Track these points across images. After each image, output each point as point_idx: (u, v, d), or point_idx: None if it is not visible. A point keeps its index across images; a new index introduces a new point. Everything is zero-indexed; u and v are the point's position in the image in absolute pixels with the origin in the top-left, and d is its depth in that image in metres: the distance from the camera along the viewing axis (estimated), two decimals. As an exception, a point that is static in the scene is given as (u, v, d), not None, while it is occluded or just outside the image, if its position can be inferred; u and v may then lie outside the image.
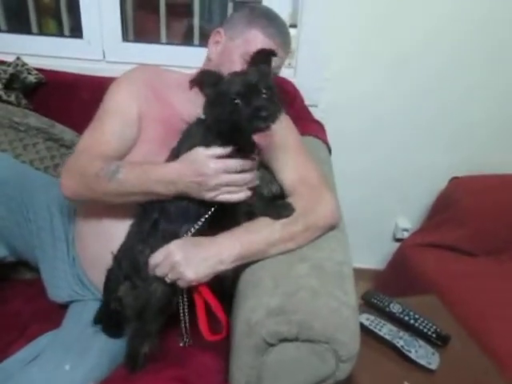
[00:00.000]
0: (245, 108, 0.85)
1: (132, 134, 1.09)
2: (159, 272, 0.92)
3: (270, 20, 1.10)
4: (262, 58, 0.93)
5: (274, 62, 1.06)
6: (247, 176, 0.92)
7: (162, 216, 0.96)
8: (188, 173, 0.90)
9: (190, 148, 0.93)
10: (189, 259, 0.89)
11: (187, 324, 1.03)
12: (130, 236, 1.01)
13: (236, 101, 0.85)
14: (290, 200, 1.00)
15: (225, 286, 1.00)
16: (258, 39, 1.07)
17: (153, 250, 0.94)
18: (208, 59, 1.15)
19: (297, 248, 0.97)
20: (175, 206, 0.95)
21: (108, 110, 1.10)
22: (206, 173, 0.89)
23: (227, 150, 0.90)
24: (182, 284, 0.92)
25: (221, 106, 0.87)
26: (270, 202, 1.01)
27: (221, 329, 0.96)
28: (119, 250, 1.00)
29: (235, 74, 0.91)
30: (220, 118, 0.88)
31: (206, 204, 0.94)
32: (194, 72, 1.18)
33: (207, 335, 0.96)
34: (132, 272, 0.97)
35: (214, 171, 0.89)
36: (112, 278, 1.01)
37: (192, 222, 0.95)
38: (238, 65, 1.06)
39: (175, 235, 0.94)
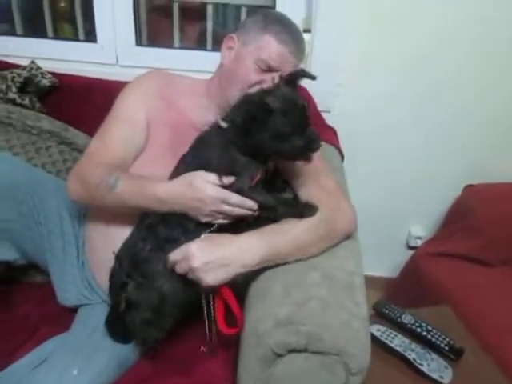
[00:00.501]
0: (298, 140, 0.87)
1: (139, 141, 1.10)
2: (179, 269, 0.90)
3: (283, 26, 1.08)
4: (293, 78, 0.95)
5: (288, 67, 1.06)
6: (244, 211, 0.92)
7: (162, 222, 0.96)
8: (184, 196, 0.91)
9: (206, 158, 0.93)
10: (208, 265, 0.87)
11: (212, 327, 1.00)
12: (132, 235, 1.01)
13: (288, 132, 0.87)
14: None
15: (236, 290, 0.98)
16: (271, 45, 1.06)
17: (153, 247, 0.94)
18: (221, 64, 1.15)
19: (318, 254, 0.95)
20: (174, 216, 0.95)
21: (116, 117, 1.11)
22: (203, 199, 0.90)
23: (230, 179, 0.91)
24: (201, 285, 0.90)
25: (267, 131, 0.87)
26: (292, 203, 1.00)
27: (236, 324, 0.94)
28: (121, 249, 1.00)
29: (276, 96, 0.89)
30: (265, 143, 0.88)
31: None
32: (206, 78, 1.19)
33: (223, 328, 0.95)
34: (132, 270, 0.96)
35: (212, 199, 0.89)
36: (114, 277, 1.01)
37: (191, 232, 0.94)
38: (251, 71, 1.06)
39: (174, 241, 0.94)
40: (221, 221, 0.93)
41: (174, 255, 0.91)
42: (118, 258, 0.99)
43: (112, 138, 1.08)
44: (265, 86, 1.01)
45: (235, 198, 0.91)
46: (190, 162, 0.97)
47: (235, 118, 0.90)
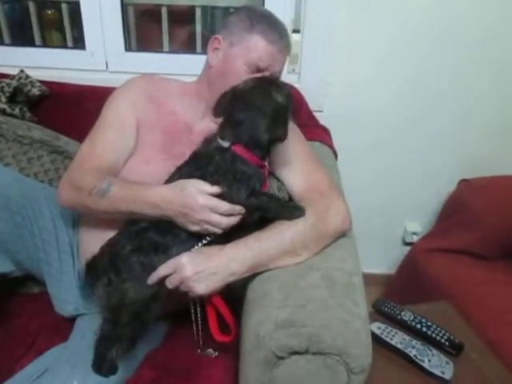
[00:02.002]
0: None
1: (129, 144, 1.10)
2: (169, 284, 0.92)
3: (270, 24, 1.06)
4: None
5: (277, 66, 1.06)
6: (232, 221, 0.92)
7: (152, 226, 0.96)
8: (175, 201, 0.91)
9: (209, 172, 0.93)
10: (199, 274, 0.89)
11: (200, 332, 1.04)
12: (119, 232, 1.00)
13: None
14: None
15: (233, 292, 0.99)
16: (260, 46, 1.05)
17: (135, 248, 0.94)
18: (208, 66, 1.13)
19: (312, 255, 0.96)
20: (166, 223, 0.95)
21: (105, 121, 1.12)
22: (192, 206, 0.89)
23: (223, 189, 0.91)
24: (192, 295, 0.93)
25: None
26: (283, 202, 1.02)
27: (230, 331, 0.96)
28: (106, 243, 1.00)
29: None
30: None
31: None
32: (195, 80, 1.19)
33: (217, 335, 0.97)
34: (108, 265, 0.96)
35: (201, 207, 0.89)
36: (92, 263, 0.99)
37: (182, 243, 0.95)
38: (242, 72, 1.06)
39: (164, 247, 0.94)
40: (210, 228, 0.92)
41: (166, 268, 0.91)
42: (102, 249, 0.99)
43: (102, 142, 1.09)
44: None
45: (225, 206, 0.91)
46: (186, 172, 0.97)
47: (255, 136, 0.93)
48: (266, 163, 0.99)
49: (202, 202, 0.89)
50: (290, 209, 0.97)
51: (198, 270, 0.89)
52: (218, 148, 0.95)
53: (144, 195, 0.94)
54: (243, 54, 1.06)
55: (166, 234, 0.95)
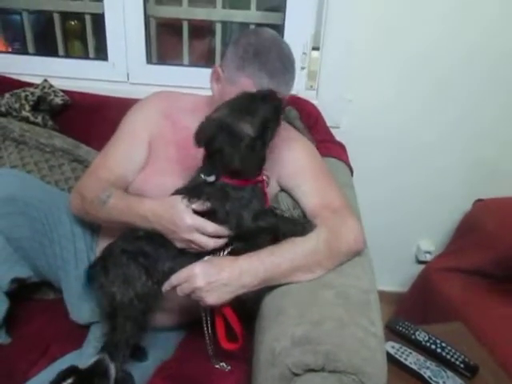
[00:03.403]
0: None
1: (139, 159, 1.14)
2: (180, 292, 0.93)
3: (261, 64, 1.00)
4: None
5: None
6: (219, 242, 0.93)
7: (147, 237, 0.98)
8: (164, 217, 0.93)
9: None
10: (211, 285, 0.90)
11: (212, 344, 1.04)
12: (119, 236, 1.04)
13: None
14: None
15: (244, 303, 0.99)
16: (247, 87, 1.00)
17: (126, 250, 0.98)
18: (212, 95, 1.13)
19: (325, 272, 0.96)
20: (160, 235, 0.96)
21: (119, 136, 1.17)
22: (179, 226, 0.91)
23: (207, 204, 0.92)
24: (202, 305, 0.94)
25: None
26: (292, 219, 1.02)
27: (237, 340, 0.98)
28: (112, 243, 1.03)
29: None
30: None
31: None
32: (206, 95, 1.20)
33: (224, 343, 0.98)
34: (101, 265, 0.99)
35: (187, 227, 0.91)
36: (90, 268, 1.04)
37: (173, 257, 0.97)
38: None
39: (154, 259, 0.97)
40: (198, 248, 0.94)
41: (178, 277, 0.92)
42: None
43: (113, 155, 1.14)
44: None
45: (211, 227, 0.92)
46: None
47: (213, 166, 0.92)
48: (263, 176, 0.98)
49: (189, 222, 0.91)
50: (300, 225, 0.97)
51: (210, 281, 0.89)
52: (206, 182, 0.94)
53: (137, 208, 0.98)
54: (233, 92, 1.00)
55: (158, 247, 0.97)
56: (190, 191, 0.95)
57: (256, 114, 0.91)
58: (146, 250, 0.97)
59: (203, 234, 0.92)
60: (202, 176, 0.94)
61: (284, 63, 1.03)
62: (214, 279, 0.90)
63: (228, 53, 1.07)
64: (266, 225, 0.95)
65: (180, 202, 0.93)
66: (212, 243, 0.92)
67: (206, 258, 0.95)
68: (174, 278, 0.93)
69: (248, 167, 0.92)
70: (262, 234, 0.97)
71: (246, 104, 0.93)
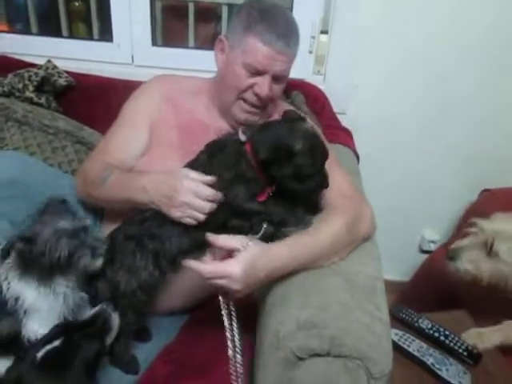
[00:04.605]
0: (317, 179, 0.95)
1: (140, 144, 1.14)
2: (211, 284, 0.88)
3: (268, 23, 1.01)
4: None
5: (278, 66, 1.04)
6: (213, 207, 0.93)
7: (152, 217, 0.97)
8: (162, 183, 0.94)
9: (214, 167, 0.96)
10: (248, 287, 0.87)
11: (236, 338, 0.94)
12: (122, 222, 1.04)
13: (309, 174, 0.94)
14: (331, 214, 0.99)
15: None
16: (256, 49, 1.01)
17: (131, 235, 0.97)
18: (215, 76, 1.15)
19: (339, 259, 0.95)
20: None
21: (121, 123, 1.18)
22: (177, 188, 0.91)
23: (212, 179, 0.93)
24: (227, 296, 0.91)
25: (288, 171, 0.93)
26: (298, 214, 1.01)
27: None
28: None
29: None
30: (285, 181, 0.95)
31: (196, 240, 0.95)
32: (210, 77, 1.20)
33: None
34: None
35: (186, 189, 0.91)
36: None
37: (178, 236, 0.96)
38: (240, 77, 1.05)
39: (160, 239, 0.96)
40: (188, 220, 0.93)
41: (214, 272, 0.86)
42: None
43: (114, 140, 1.15)
44: (257, 89, 1.04)
45: (208, 191, 0.92)
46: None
47: (259, 149, 0.92)
48: (269, 189, 0.98)
49: (187, 184, 0.91)
50: (296, 215, 0.97)
51: (248, 284, 0.86)
52: (235, 141, 0.97)
53: (135, 180, 1.00)
54: (240, 58, 1.04)
55: (164, 225, 0.96)
56: (212, 145, 1.00)
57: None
58: (153, 232, 0.96)
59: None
60: (240, 131, 0.97)
61: (290, 24, 1.05)
62: (251, 281, 0.87)
63: (233, 21, 1.09)
64: (260, 208, 0.96)
65: (180, 170, 0.95)
66: (207, 206, 0.92)
67: (251, 241, 0.89)
68: (208, 271, 0.86)
69: (270, 158, 0.93)
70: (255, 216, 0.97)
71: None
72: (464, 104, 1.68)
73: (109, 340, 0.87)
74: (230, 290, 0.87)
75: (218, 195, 0.93)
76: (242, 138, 0.96)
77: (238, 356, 0.90)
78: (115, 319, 0.88)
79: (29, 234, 0.90)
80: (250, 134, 0.96)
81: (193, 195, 0.91)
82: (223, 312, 0.91)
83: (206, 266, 0.87)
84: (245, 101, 1.08)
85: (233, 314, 0.92)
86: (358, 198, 1.04)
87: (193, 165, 0.99)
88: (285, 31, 1.03)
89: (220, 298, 0.91)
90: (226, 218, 0.97)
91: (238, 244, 0.87)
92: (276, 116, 1.12)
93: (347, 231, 0.94)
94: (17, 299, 0.88)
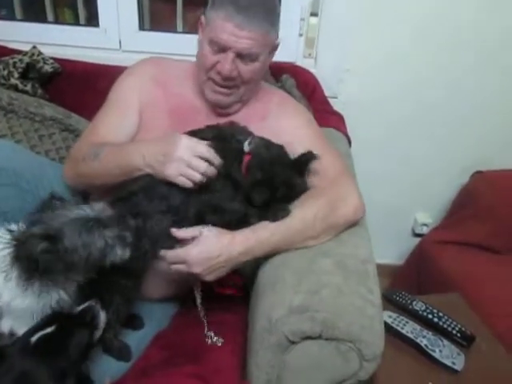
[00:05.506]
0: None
1: (130, 127, 1.12)
2: (175, 270, 0.94)
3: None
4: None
5: (241, 43, 0.98)
6: (210, 169, 0.92)
7: (140, 191, 0.96)
8: (160, 143, 0.94)
9: None
10: (208, 269, 0.92)
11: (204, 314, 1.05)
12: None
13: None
14: (308, 198, 0.98)
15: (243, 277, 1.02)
16: (216, 24, 0.98)
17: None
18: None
19: (317, 244, 0.95)
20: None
21: (110, 105, 1.15)
22: (176, 143, 0.90)
23: (210, 143, 0.92)
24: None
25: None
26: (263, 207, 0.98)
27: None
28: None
29: None
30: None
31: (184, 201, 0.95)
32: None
33: (220, 290, 1.04)
34: None
35: (183, 144, 0.90)
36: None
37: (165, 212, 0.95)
38: (207, 54, 1.01)
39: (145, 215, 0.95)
40: (183, 180, 0.91)
41: (174, 257, 0.93)
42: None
43: (103, 124, 1.12)
44: (219, 66, 1.00)
45: (204, 147, 0.91)
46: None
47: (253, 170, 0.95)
48: None
49: (186, 142, 0.91)
50: (272, 210, 0.95)
51: (207, 267, 0.91)
52: (239, 141, 0.98)
53: (130, 146, 1.00)
54: (207, 35, 1.01)
55: (152, 200, 0.95)
56: (218, 135, 1.00)
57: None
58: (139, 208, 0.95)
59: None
60: (246, 142, 0.98)
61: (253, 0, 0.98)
62: (211, 264, 0.91)
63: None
64: (238, 208, 0.96)
65: (182, 135, 0.94)
66: (204, 166, 0.90)
67: (206, 229, 0.92)
68: (169, 256, 0.93)
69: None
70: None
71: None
72: (456, 87, 1.67)
73: (96, 335, 0.86)
74: (192, 273, 0.92)
75: (217, 159, 0.92)
76: (246, 148, 0.97)
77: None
78: (102, 317, 0.87)
79: (49, 232, 0.83)
80: (254, 147, 0.97)
81: (190, 152, 0.90)
82: (196, 294, 1.02)
83: (168, 252, 0.93)
84: (213, 81, 1.05)
85: (198, 295, 1.02)
86: (344, 180, 1.03)
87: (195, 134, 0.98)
88: (247, 5, 0.96)
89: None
90: (201, 213, 0.96)
91: (195, 232, 0.92)
92: (257, 103, 1.12)
93: (322, 219, 0.94)
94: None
